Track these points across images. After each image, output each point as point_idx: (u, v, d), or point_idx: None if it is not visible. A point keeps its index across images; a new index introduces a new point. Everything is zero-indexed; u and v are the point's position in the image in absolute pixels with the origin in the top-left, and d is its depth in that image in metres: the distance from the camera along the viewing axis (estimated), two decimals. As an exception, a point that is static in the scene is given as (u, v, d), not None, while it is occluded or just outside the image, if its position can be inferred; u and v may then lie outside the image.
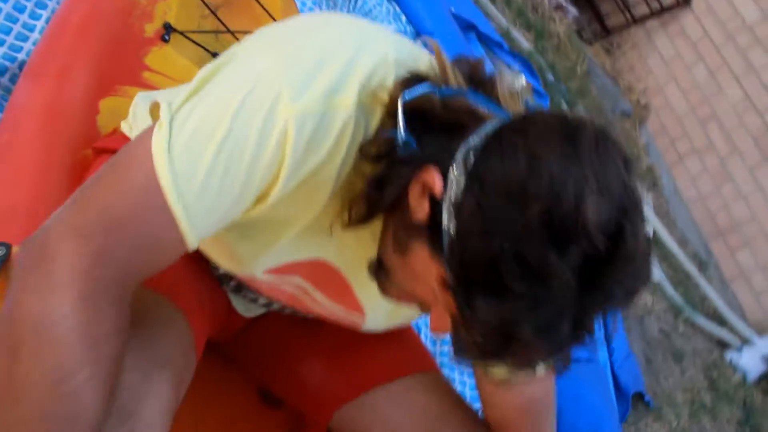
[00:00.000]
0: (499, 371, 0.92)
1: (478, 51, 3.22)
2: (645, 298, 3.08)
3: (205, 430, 1.11)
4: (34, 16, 1.46)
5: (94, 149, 1.08)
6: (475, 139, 0.65)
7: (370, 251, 0.79)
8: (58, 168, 1.07)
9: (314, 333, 1.11)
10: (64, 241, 0.64)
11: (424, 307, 0.75)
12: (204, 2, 1.57)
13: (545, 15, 4.40)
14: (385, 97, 0.70)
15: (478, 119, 0.68)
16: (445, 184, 0.65)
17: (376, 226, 0.77)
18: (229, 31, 1.56)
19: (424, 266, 0.68)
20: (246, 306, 1.05)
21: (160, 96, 0.75)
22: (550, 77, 3.76)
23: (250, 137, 0.66)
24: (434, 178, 0.66)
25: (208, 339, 0.96)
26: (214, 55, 1.48)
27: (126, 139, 1.04)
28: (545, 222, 0.58)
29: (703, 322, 3.23)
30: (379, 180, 0.70)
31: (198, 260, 0.97)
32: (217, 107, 0.67)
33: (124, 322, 0.68)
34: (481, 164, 0.63)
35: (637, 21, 4.47)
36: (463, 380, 1.81)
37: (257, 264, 0.83)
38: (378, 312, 0.95)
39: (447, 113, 0.69)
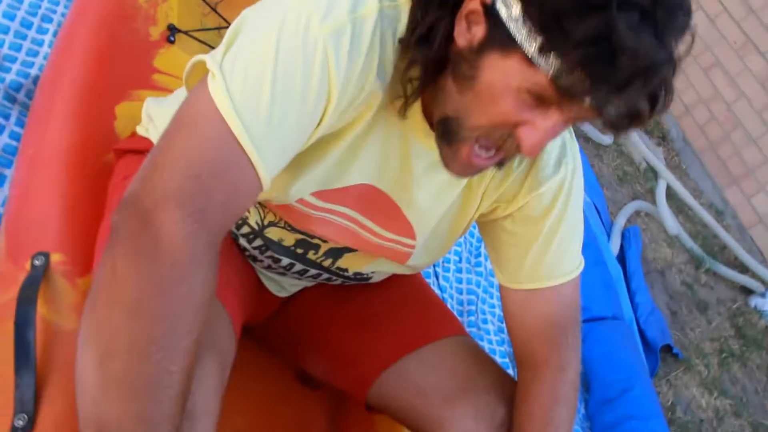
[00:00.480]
0: (528, 278, 0.96)
1: None
2: (664, 252, 3.10)
3: (249, 414, 1.15)
4: (41, 31, 1.49)
5: (115, 151, 1.12)
6: None
7: (413, 171, 0.86)
8: (83, 176, 1.11)
9: (343, 309, 1.15)
10: (163, 208, 0.67)
11: (505, 136, 0.75)
12: (204, 0, 1.60)
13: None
14: (402, 1, 0.77)
15: None
16: None
17: (422, 141, 0.84)
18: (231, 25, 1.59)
19: (501, 73, 0.71)
20: (278, 284, 1.09)
21: (198, 56, 0.79)
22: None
23: (296, 64, 0.70)
24: None
25: (243, 325, 1.00)
26: (219, 50, 1.51)
27: (144, 140, 1.08)
28: None
29: (724, 270, 3.24)
30: (423, 35, 0.75)
31: (229, 246, 1.00)
32: (259, 46, 0.71)
33: (216, 282, 0.72)
34: None
35: (632, -25, 4.44)
36: (492, 348, 1.84)
37: (306, 183, 0.85)
38: (426, 233, 0.97)
39: None
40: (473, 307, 1.90)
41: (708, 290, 3.12)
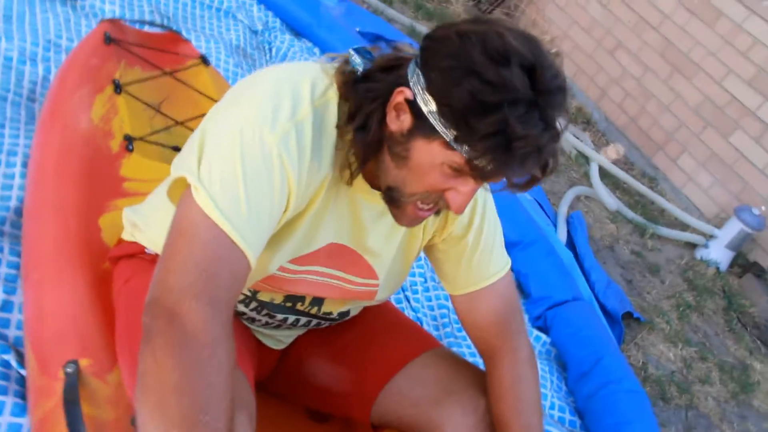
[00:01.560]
0: (467, 284, 1.18)
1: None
2: (609, 228, 3.34)
3: (274, 457, 1.31)
4: (9, 165, 1.65)
5: (110, 259, 1.28)
6: (415, 57, 0.92)
7: (363, 223, 1.06)
8: (87, 288, 1.26)
9: (333, 348, 1.33)
10: (182, 303, 0.83)
11: (438, 198, 0.96)
12: (147, 104, 1.78)
13: (441, 2, 4.65)
14: (331, 94, 0.97)
15: (407, 57, 0.96)
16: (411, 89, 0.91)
17: (366, 198, 1.05)
18: (178, 123, 1.76)
19: (428, 154, 0.91)
20: (275, 338, 1.27)
21: (173, 173, 0.97)
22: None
23: (260, 169, 0.89)
24: (402, 91, 0.91)
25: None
26: (174, 148, 1.69)
27: (132, 244, 1.25)
28: (487, 57, 0.85)
29: (667, 232, 3.51)
30: (361, 124, 0.95)
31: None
32: (228, 159, 0.89)
33: (235, 350, 0.88)
34: (427, 58, 0.90)
35: (524, -20, 4.73)
36: (472, 351, 2.03)
37: (283, 254, 1.04)
38: (384, 271, 1.17)
39: (383, 60, 0.98)
40: (446, 320, 2.09)
41: (656, 253, 3.37)
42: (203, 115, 1.75)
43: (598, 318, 2.42)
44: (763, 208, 3.53)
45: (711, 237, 3.52)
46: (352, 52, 1.00)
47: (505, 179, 0.93)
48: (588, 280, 2.70)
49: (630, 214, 3.50)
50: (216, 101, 1.83)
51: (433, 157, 0.91)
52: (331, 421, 1.43)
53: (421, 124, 0.90)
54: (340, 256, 1.11)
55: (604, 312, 2.57)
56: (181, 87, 1.90)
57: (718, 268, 3.43)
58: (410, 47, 1.01)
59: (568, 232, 2.99)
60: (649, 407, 2.03)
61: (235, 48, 2.71)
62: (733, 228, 3.45)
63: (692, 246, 3.56)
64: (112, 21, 1.93)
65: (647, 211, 3.66)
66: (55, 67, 2.03)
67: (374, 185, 1.04)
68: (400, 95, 0.92)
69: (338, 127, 0.97)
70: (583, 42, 4.59)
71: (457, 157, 0.89)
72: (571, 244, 2.93)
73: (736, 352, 2.96)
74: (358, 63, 0.98)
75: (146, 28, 2.10)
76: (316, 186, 0.98)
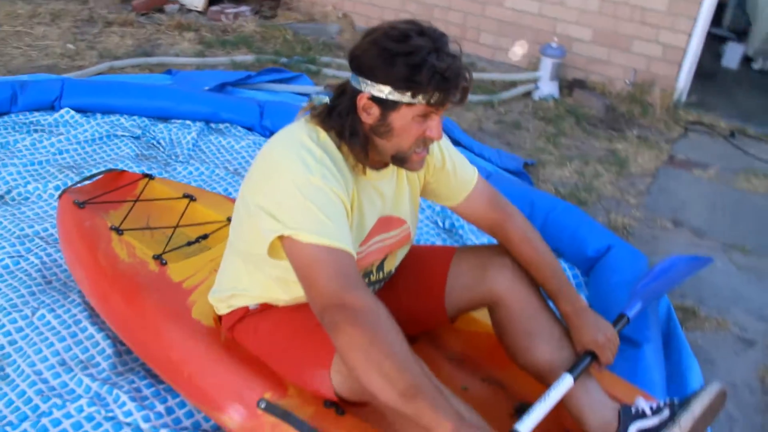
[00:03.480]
0: (460, 193, 1.58)
1: (241, 93, 3.72)
2: (469, 116, 3.85)
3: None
4: (83, 329, 1.89)
5: (227, 331, 1.60)
6: (352, 74, 1.30)
7: (383, 194, 1.45)
8: (226, 358, 1.57)
9: (396, 291, 1.68)
10: (343, 297, 1.17)
11: (423, 138, 1.32)
12: (143, 229, 2.04)
13: (236, 29, 4.91)
14: (322, 134, 1.34)
15: (344, 81, 1.34)
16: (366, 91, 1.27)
17: (377, 177, 1.42)
18: (174, 227, 2.04)
19: (401, 118, 1.28)
20: None
21: (267, 238, 1.27)
22: (284, 60, 4.32)
23: (322, 199, 1.25)
24: (362, 96, 1.27)
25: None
26: (188, 244, 1.98)
27: (234, 312, 1.56)
28: (396, 42, 1.22)
29: (507, 95, 4.06)
30: (350, 133, 1.32)
31: None
32: (299, 205, 1.24)
33: None
34: (362, 67, 1.27)
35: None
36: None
37: (355, 244, 1.33)
38: (408, 215, 1.54)
39: (334, 91, 1.36)
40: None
41: (511, 114, 3.92)
42: (184, 212, 2.04)
43: (510, 179, 2.91)
44: (555, 39, 4.15)
45: (536, 80, 4.11)
46: (314, 97, 1.37)
47: (453, 101, 1.29)
48: (485, 158, 3.19)
49: (475, 98, 4.02)
50: (176, 198, 2.12)
51: (405, 118, 1.28)
52: (418, 339, 1.83)
53: (386, 105, 1.27)
54: (382, 224, 1.49)
55: (510, 173, 3.07)
56: (150, 204, 2.17)
57: (554, 98, 4.04)
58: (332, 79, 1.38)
59: (449, 135, 3.46)
60: (581, 212, 2.56)
61: (136, 157, 2.92)
62: (546, 64, 4.05)
63: (529, 94, 4.14)
64: (67, 191, 2.15)
65: (484, 88, 4.20)
66: (41, 250, 2.22)
67: (377, 167, 1.42)
68: (362, 100, 1.28)
69: (339, 147, 1.34)
70: (358, -4, 5.01)
71: (418, 107, 1.26)
72: (455, 142, 3.41)
73: (602, 145, 3.58)
74: (324, 100, 1.35)
75: (89, 181, 2.31)
76: (351, 190, 1.35)
